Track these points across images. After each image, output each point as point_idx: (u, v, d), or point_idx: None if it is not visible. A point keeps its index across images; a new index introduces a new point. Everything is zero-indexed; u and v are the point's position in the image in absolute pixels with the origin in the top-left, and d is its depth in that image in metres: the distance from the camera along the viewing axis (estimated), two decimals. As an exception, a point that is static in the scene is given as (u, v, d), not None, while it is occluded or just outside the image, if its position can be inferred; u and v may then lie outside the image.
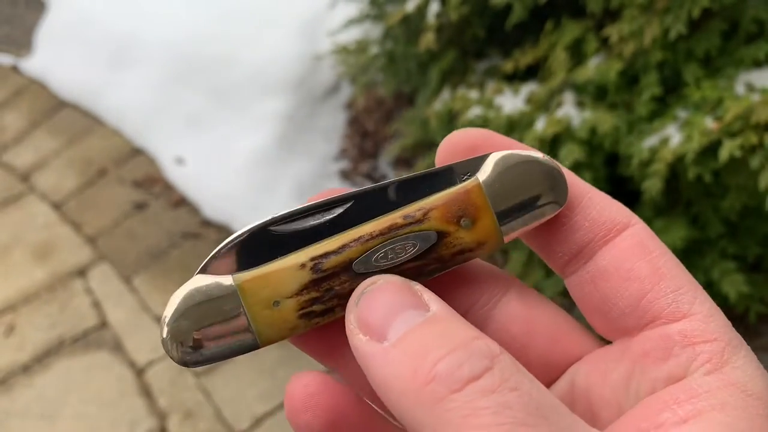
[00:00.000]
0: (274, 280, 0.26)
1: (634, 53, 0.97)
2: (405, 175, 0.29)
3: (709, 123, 0.91)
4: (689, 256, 1.01)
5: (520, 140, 1.06)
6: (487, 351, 0.22)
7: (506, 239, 0.28)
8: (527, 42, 1.13)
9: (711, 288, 0.99)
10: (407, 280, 0.26)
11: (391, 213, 0.27)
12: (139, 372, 1.48)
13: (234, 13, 1.93)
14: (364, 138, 1.79)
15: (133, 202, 1.83)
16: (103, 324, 1.58)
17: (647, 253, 0.27)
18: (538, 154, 0.28)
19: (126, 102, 2.03)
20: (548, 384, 0.29)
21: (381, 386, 0.23)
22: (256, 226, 0.28)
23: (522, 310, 0.29)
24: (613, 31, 0.98)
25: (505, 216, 0.28)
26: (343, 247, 0.26)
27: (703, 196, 1.01)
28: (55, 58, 2.25)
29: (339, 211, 0.28)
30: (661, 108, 0.99)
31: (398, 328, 0.23)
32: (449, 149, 0.30)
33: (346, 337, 0.25)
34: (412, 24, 1.20)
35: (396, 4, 1.26)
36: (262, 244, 0.27)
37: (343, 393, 0.27)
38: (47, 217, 1.85)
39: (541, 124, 1.01)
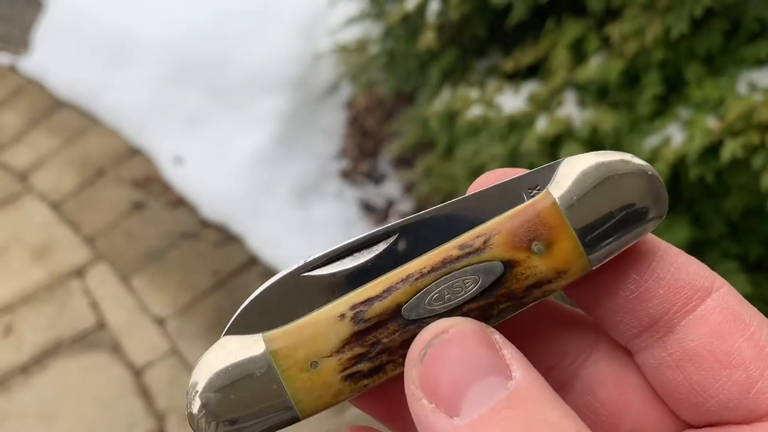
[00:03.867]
0: (309, 336, 0.22)
1: (636, 52, 0.97)
2: (459, 197, 0.24)
3: (711, 123, 0.90)
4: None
5: (520, 141, 1.06)
6: None
7: (594, 266, 0.22)
8: (528, 41, 1.13)
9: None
10: (484, 326, 0.21)
11: (444, 244, 0.23)
12: (138, 373, 1.47)
13: (233, 11, 1.93)
14: (364, 137, 1.78)
15: (132, 202, 1.82)
16: (102, 324, 1.57)
17: (745, 328, 0.22)
18: (623, 156, 0.23)
19: (124, 101, 2.02)
20: None
21: None
22: (286, 273, 0.24)
23: (613, 372, 0.24)
24: (614, 30, 0.97)
25: (589, 236, 0.22)
26: (389, 289, 0.22)
27: (705, 196, 1.01)
28: (53, 57, 2.24)
29: (383, 247, 0.23)
30: (662, 107, 0.99)
31: (475, 402, 0.19)
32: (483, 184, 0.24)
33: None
34: (413, 23, 1.19)
35: (396, 3, 1.25)
36: (296, 293, 0.23)
37: None
38: (45, 217, 1.84)
39: (542, 124, 1.01)
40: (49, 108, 2.15)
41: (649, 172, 0.23)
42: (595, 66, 1.00)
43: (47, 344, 1.55)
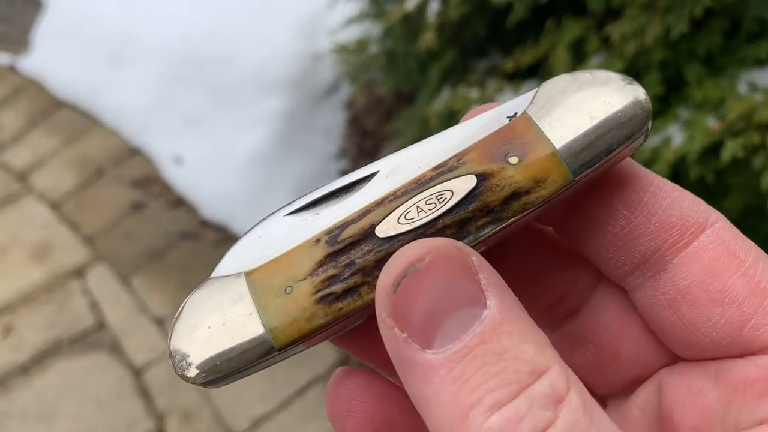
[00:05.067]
0: (285, 263, 0.22)
1: (636, 52, 0.97)
2: (442, 131, 0.24)
3: (711, 123, 0.90)
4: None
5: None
6: (552, 394, 0.18)
7: (577, 177, 0.21)
8: (528, 41, 1.13)
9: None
10: (460, 245, 0.20)
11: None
12: (137, 373, 1.47)
13: (233, 11, 1.93)
14: (363, 137, 1.78)
15: (132, 202, 1.82)
16: (101, 325, 1.57)
17: (739, 264, 0.21)
18: (601, 72, 0.23)
19: (124, 101, 2.02)
20: (636, 384, 0.25)
21: (417, 400, 0.19)
22: (273, 215, 0.24)
23: (618, 299, 0.24)
24: (614, 30, 0.97)
25: (567, 144, 0.21)
26: (364, 213, 0.22)
27: (705, 196, 1.00)
28: (52, 57, 2.24)
29: (364, 185, 0.23)
30: (662, 107, 0.99)
31: (449, 336, 0.18)
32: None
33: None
34: (412, 23, 1.19)
35: (396, 3, 1.25)
36: (282, 235, 0.23)
37: (391, 396, 0.24)
38: (45, 217, 1.84)
39: (541, 124, 1.01)
40: (49, 108, 2.15)
41: (627, 82, 0.22)
42: (595, 66, 1.00)
43: (47, 344, 1.55)
